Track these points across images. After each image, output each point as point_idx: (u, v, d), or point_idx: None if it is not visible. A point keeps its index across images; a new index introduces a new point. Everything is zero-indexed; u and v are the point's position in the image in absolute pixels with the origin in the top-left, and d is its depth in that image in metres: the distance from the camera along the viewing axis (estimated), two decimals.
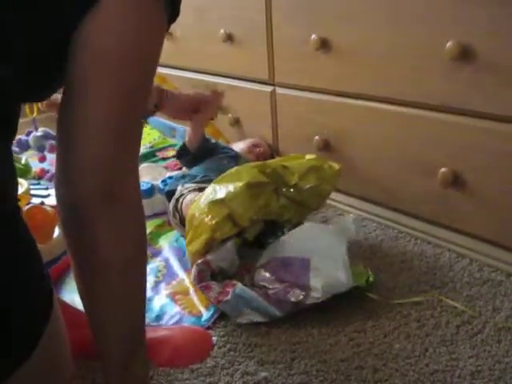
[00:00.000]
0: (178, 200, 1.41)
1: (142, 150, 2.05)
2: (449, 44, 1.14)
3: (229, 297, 1.09)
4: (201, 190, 1.34)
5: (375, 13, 1.30)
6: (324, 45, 1.43)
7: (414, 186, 1.34)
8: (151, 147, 2.07)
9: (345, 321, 1.09)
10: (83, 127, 0.67)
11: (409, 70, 1.26)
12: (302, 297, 1.08)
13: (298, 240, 1.19)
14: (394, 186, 1.41)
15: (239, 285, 1.12)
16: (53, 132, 2.05)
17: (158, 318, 1.15)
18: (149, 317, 1.14)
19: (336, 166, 1.34)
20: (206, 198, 1.23)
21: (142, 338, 0.82)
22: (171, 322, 1.13)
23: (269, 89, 1.69)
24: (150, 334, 1.08)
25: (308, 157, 1.36)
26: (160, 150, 2.07)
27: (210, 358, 1.03)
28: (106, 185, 0.69)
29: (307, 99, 1.56)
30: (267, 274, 1.15)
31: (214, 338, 1.08)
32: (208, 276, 1.17)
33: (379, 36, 1.30)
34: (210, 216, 1.19)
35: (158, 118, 2.32)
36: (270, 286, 1.12)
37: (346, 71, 1.41)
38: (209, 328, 1.11)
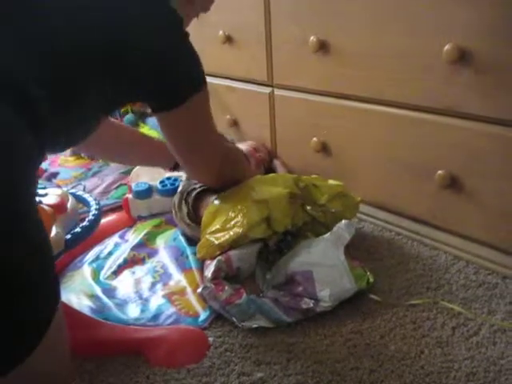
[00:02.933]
0: (189, 193, 1.40)
1: None
2: (446, 47, 1.14)
3: (242, 300, 1.09)
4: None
5: (374, 16, 1.30)
6: (322, 47, 1.44)
7: (411, 187, 1.35)
8: None
9: (341, 322, 1.10)
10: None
11: (407, 73, 1.26)
12: (312, 304, 1.09)
13: (297, 254, 1.19)
14: (390, 188, 1.41)
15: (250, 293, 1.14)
16: None
17: (155, 318, 1.15)
18: (145, 317, 1.15)
19: (358, 198, 1.38)
20: (245, 195, 1.25)
21: None
22: (168, 322, 1.13)
23: (267, 90, 1.69)
24: (147, 333, 1.09)
25: (331, 182, 1.39)
26: None
27: (206, 358, 1.04)
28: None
29: (305, 101, 1.57)
30: (275, 290, 1.15)
31: (210, 339, 1.08)
32: (222, 276, 1.16)
33: (377, 39, 1.31)
34: (249, 213, 1.20)
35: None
36: (280, 297, 1.12)
37: (345, 73, 1.42)
38: (205, 328, 1.11)
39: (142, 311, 1.17)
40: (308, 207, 1.30)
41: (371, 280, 1.18)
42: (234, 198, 1.27)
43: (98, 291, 1.23)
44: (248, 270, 1.20)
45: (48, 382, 0.77)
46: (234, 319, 1.09)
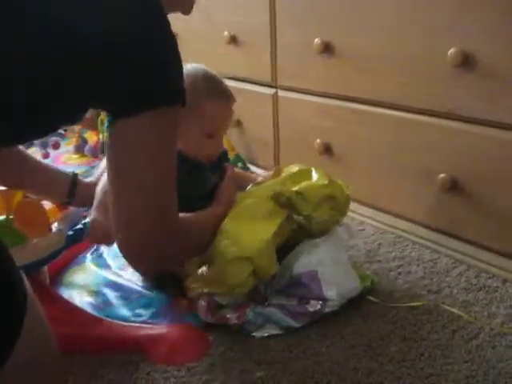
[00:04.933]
0: None
1: None
2: (451, 51, 1.15)
3: (249, 316, 1.08)
4: None
5: (379, 18, 1.31)
6: (327, 49, 1.45)
7: (413, 190, 1.35)
8: None
9: (341, 323, 1.10)
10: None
11: (411, 76, 1.27)
12: (319, 306, 1.09)
13: (300, 255, 1.16)
14: (392, 191, 1.42)
15: (254, 305, 1.10)
16: None
17: (156, 315, 1.15)
18: (146, 314, 1.15)
19: (346, 190, 1.24)
20: (224, 248, 1.09)
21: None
22: (169, 319, 1.13)
23: (271, 91, 1.70)
24: (148, 331, 1.09)
25: (315, 174, 1.24)
26: None
27: (207, 356, 1.04)
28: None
29: (309, 102, 1.57)
30: (281, 295, 1.13)
31: (211, 337, 1.08)
32: (216, 305, 1.11)
33: (382, 42, 1.31)
34: (233, 272, 1.07)
35: None
36: (286, 303, 1.10)
37: (349, 75, 1.42)
38: (207, 327, 1.11)
39: (144, 308, 1.17)
40: (294, 216, 1.17)
41: (376, 279, 1.19)
42: (213, 251, 1.11)
43: (101, 287, 1.23)
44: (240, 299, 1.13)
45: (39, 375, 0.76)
46: (244, 331, 1.09)
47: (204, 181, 1.25)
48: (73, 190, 1.28)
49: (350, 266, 1.15)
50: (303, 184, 1.20)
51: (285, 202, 1.15)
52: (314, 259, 1.13)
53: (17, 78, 0.73)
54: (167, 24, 0.84)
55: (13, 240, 1.05)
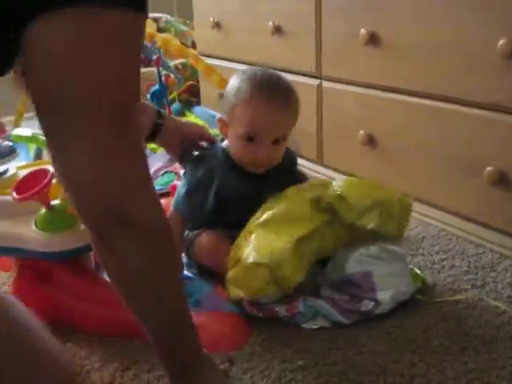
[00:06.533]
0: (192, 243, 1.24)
1: None
2: (501, 41, 1.13)
3: (300, 308, 1.07)
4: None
5: (425, 8, 1.29)
6: (373, 39, 1.43)
7: (458, 183, 1.33)
8: None
9: (383, 315, 1.09)
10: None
11: (458, 67, 1.25)
12: (371, 306, 1.07)
13: (355, 252, 1.10)
14: (437, 184, 1.40)
15: (304, 297, 1.09)
16: None
17: (197, 303, 1.16)
18: (188, 302, 1.15)
19: (408, 199, 1.13)
20: (250, 251, 1.06)
21: (184, 329, 0.85)
22: (211, 307, 1.14)
23: (315, 82, 1.69)
24: None
25: (370, 183, 1.16)
26: None
27: (247, 345, 1.04)
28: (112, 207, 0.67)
29: (354, 93, 1.56)
30: (333, 290, 1.11)
31: (252, 325, 1.09)
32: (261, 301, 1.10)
33: (428, 32, 1.30)
34: (249, 278, 1.06)
35: (202, 108, 2.35)
36: (338, 297, 1.09)
37: (394, 66, 1.41)
38: (247, 315, 1.11)
39: (186, 296, 1.17)
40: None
41: (427, 281, 1.18)
42: (238, 255, 1.09)
43: None
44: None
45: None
46: (293, 322, 1.08)
47: (242, 186, 1.20)
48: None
49: (408, 270, 1.13)
50: (347, 186, 1.10)
51: (326, 207, 1.08)
52: (369, 259, 1.09)
53: None
54: None
55: (65, 224, 1.08)
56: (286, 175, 1.24)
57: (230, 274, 1.10)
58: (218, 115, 1.23)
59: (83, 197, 0.67)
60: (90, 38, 0.60)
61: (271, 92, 1.13)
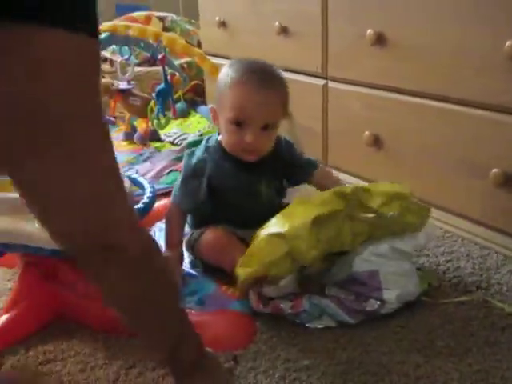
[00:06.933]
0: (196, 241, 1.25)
1: (192, 137, 2.09)
2: (508, 43, 1.12)
3: (305, 307, 1.07)
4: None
5: (433, 9, 1.29)
6: (379, 40, 1.43)
7: (463, 185, 1.33)
8: (200, 135, 2.10)
9: (388, 315, 1.09)
10: None
11: (466, 69, 1.25)
12: (377, 306, 1.07)
13: (362, 251, 1.11)
14: (441, 185, 1.40)
15: (309, 295, 1.09)
16: None
17: (201, 301, 1.16)
18: (192, 300, 1.16)
19: (426, 206, 1.17)
20: (269, 225, 1.10)
21: (183, 337, 0.85)
22: (215, 306, 1.14)
23: (321, 82, 1.69)
24: (194, 317, 1.10)
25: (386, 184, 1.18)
26: None
27: (252, 343, 1.04)
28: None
29: (359, 94, 1.56)
30: (339, 288, 1.11)
31: (257, 324, 1.09)
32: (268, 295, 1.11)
33: (435, 33, 1.29)
34: (266, 250, 1.07)
35: (207, 107, 2.35)
36: (344, 297, 1.09)
37: (401, 67, 1.41)
38: (252, 314, 1.11)
39: (190, 295, 1.18)
40: (361, 214, 1.10)
41: (434, 283, 1.17)
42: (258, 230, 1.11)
43: None
44: (292, 293, 1.12)
45: None
46: (298, 321, 1.08)
47: (234, 174, 1.23)
48: None
49: (415, 271, 1.13)
50: (370, 185, 1.16)
51: (350, 196, 1.09)
52: (376, 258, 1.10)
53: None
54: None
55: None
56: (280, 164, 1.26)
57: (244, 254, 1.11)
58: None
59: (65, 232, 0.66)
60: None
61: (260, 78, 1.16)
